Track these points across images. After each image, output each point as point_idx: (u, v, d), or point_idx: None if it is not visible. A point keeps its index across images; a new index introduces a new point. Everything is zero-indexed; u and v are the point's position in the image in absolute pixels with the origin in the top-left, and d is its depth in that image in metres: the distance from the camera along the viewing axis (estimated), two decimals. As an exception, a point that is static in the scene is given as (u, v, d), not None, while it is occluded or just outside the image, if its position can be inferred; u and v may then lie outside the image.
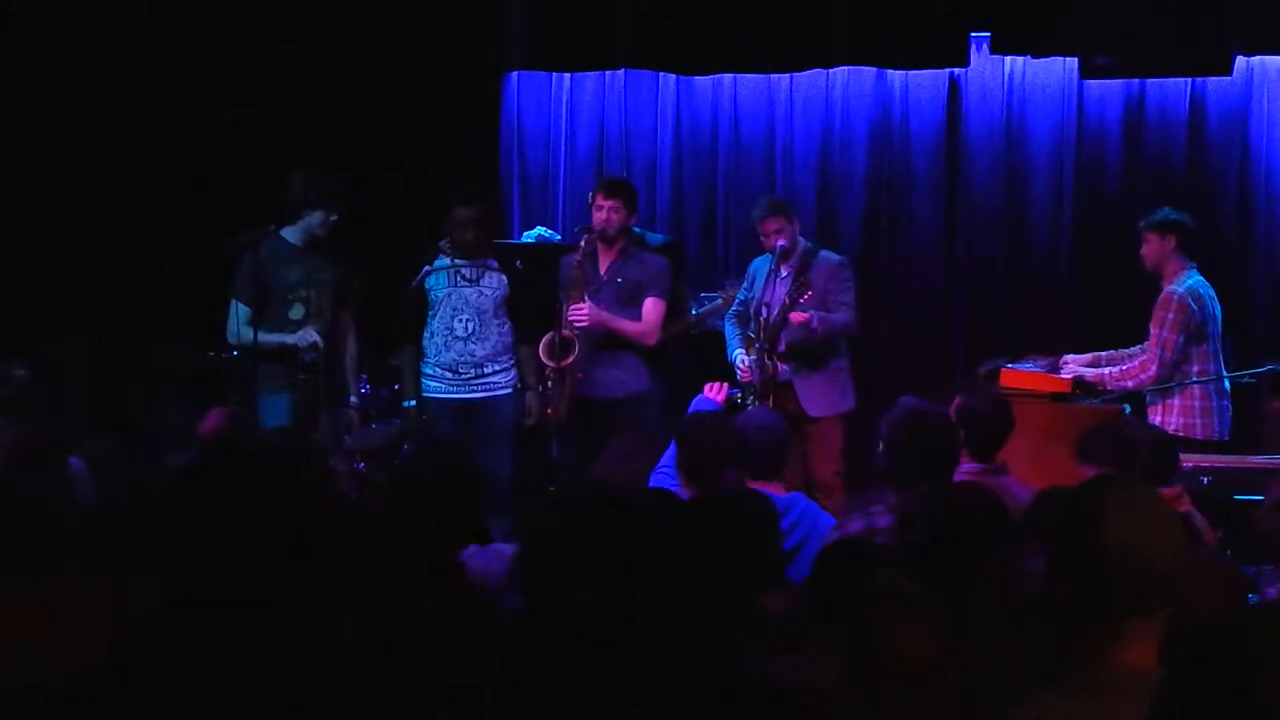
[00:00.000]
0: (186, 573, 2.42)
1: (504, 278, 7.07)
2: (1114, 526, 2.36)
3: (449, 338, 7.00)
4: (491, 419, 6.97)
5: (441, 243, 7.05)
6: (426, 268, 7.10)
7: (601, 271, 7.06)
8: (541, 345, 6.96)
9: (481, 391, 7.01)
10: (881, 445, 4.84)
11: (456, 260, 7.01)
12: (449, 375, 7.01)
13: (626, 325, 7.01)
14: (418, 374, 7.07)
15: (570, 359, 6.85)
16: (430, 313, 7.02)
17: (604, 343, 7.04)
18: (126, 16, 8.07)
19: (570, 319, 6.84)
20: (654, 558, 2.72)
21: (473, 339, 7.01)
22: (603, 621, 2.49)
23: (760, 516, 3.56)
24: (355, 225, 6.98)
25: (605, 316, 6.94)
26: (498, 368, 7.04)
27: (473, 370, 7.01)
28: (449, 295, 7.01)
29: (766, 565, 3.45)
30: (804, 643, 3.07)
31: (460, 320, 7.00)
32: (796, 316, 6.89)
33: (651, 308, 7.07)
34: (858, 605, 3.07)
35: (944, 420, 4.96)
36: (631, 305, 7.06)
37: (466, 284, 7.02)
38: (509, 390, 7.04)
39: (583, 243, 7.04)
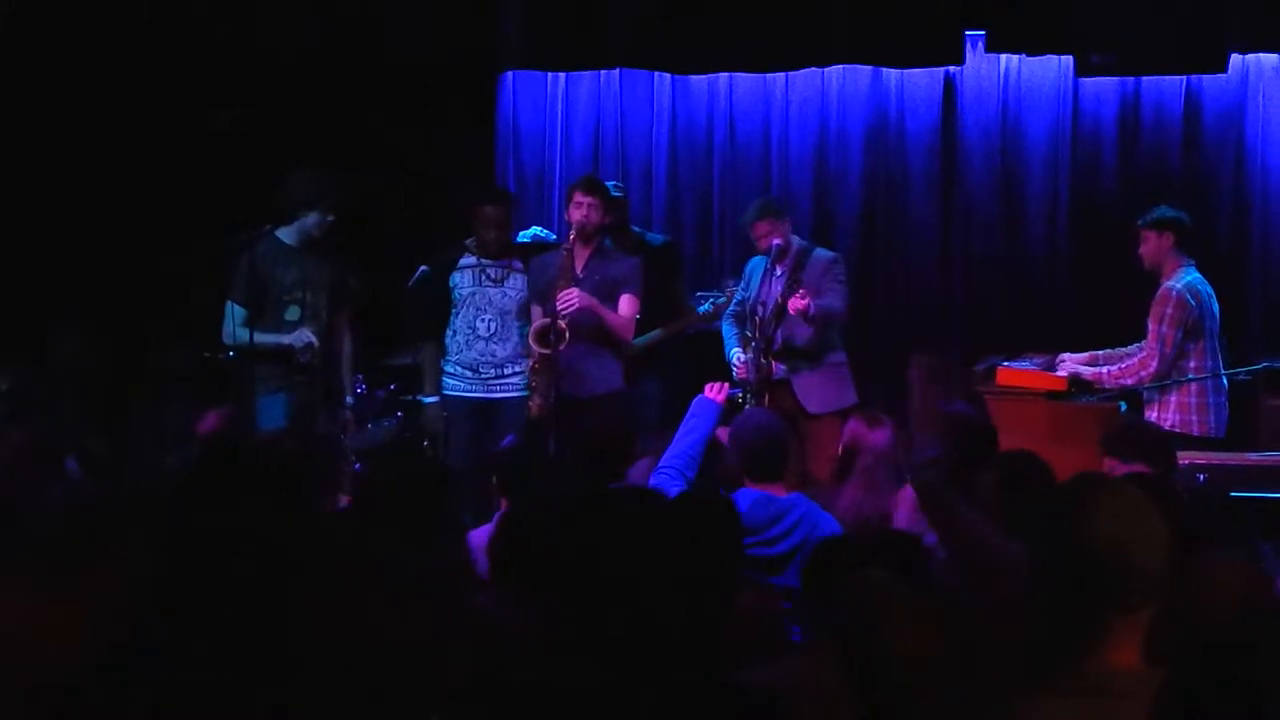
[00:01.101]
0: (180, 575, 2.42)
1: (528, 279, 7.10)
2: (1093, 522, 2.36)
3: (471, 336, 7.04)
4: (508, 419, 6.97)
5: (467, 241, 7.07)
6: (423, 267, 7.09)
7: (578, 269, 7.02)
8: (532, 332, 6.95)
9: (500, 392, 7.04)
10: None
11: (483, 260, 7.03)
12: (469, 374, 7.05)
13: (610, 315, 6.97)
14: (438, 372, 7.10)
15: (562, 346, 6.82)
16: (453, 311, 7.05)
17: (584, 336, 7.02)
18: (125, 16, 8.06)
19: (560, 305, 6.82)
20: (638, 559, 2.72)
21: (494, 339, 7.04)
22: (590, 622, 2.48)
23: (718, 518, 3.52)
24: (351, 226, 6.98)
25: (593, 303, 6.90)
26: (518, 369, 7.05)
27: (493, 370, 7.04)
28: (473, 294, 7.04)
29: (721, 566, 3.40)
30: (789, 644, 3.07)
31: (483, 320, 7.03)
32: (794, 303, 6.89)
33: (627, 304, 7.04)
34: (851, 605, 3.07)
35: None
36: (607, 302, 7.03)
37: (491, 284, 7.06)
38: (527, 392, 7.04)
39: (569, 239, 7.02)
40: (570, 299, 6.79)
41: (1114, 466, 5.01)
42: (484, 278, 7.05)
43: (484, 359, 7.04)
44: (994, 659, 2.82)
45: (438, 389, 7.14)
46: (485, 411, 7.02)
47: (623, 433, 5.66)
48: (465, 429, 6.98)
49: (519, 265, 7.12)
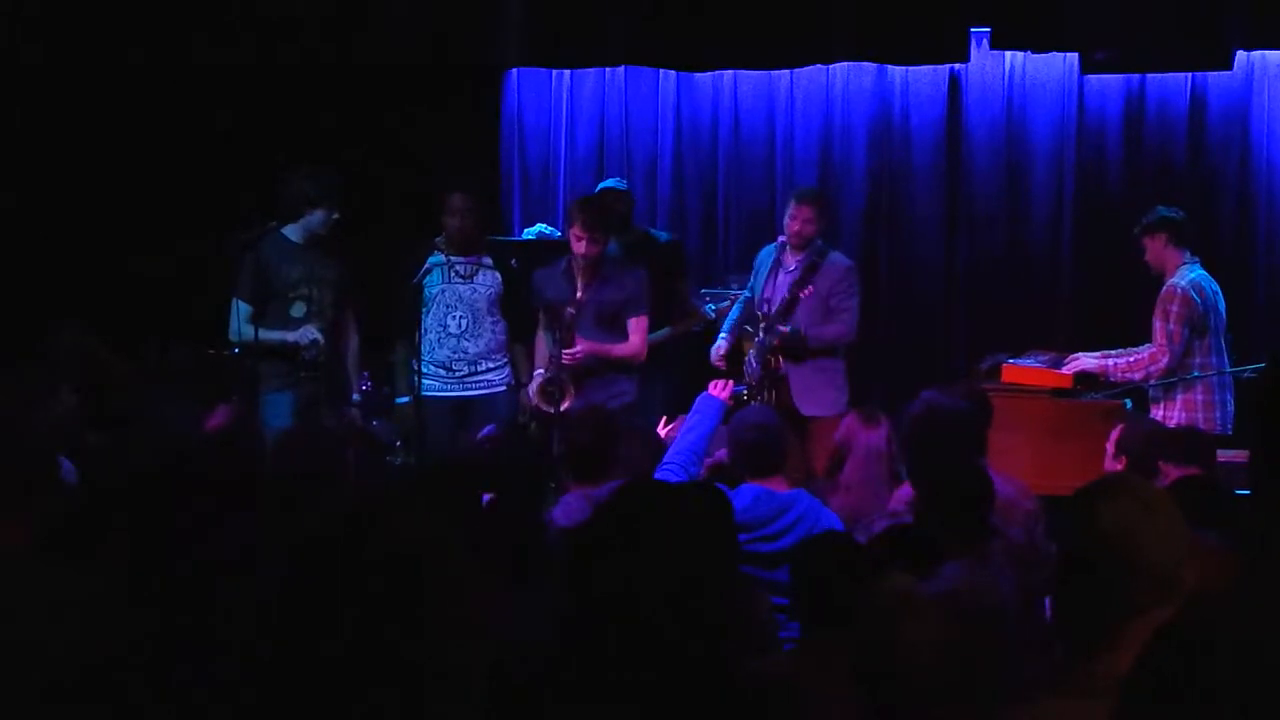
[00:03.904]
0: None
1: (498, 275, 7.03)
2: (1107, 520, 2.36)
3: (442, 334, 6.99)
4: (487, 416, 6.92)
5: (437, 239, 7.04)
6: (426, 266, 7.09)
7: (579, 293, 6.89)
8: (534, 389, 6.85)
9: (476, 389, 7.00)
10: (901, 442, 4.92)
11: (451, 257, 6.98)
12: (443, 372, 7.00)
13: (617, 350, 6.94)
14: (410, 370, 7.05)
15: (566, 403, 6.66)
16: (425, 309, 6.96)
17: (591, 371, 6.91)
18: (125, 14, 8.06)
19: (566, 361, 6.77)
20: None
21: (466, 336, 6.99)
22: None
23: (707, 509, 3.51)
24: (356, 223, 6.97)
25: (596, 348, 6.85)
26: (492, 365, 7.02)
27: (466, 367, 7.00)
28: (443, 292, 6.98)
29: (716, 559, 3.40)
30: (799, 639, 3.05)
31: (454, 317, 6.98)
32: (805, 293, 6.95)
33: (635, 327, 6.98)
34: (861, 602, 3.06)
35: (964, 413, 5.04)
36: (612, 326, 6.96)
37: (460, 280, 7.00)
38: (504, 388, 7.02)
39: (564, 265, 6.94)
40: (575, 354, 6.74)
41: (1169, 471, 4.99)
42: (452, 274, 6.98)
43: (456, 356, 6.98)
44: (1003, 660, 2.82)
45: (408, 389, 7.05)
46: (463, 409, 6.96)
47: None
48: (443, 428, 6.90)
49: (488, 261, 7.03)
